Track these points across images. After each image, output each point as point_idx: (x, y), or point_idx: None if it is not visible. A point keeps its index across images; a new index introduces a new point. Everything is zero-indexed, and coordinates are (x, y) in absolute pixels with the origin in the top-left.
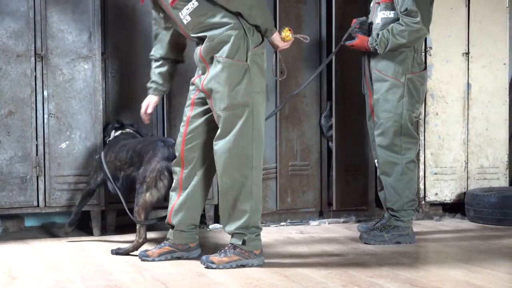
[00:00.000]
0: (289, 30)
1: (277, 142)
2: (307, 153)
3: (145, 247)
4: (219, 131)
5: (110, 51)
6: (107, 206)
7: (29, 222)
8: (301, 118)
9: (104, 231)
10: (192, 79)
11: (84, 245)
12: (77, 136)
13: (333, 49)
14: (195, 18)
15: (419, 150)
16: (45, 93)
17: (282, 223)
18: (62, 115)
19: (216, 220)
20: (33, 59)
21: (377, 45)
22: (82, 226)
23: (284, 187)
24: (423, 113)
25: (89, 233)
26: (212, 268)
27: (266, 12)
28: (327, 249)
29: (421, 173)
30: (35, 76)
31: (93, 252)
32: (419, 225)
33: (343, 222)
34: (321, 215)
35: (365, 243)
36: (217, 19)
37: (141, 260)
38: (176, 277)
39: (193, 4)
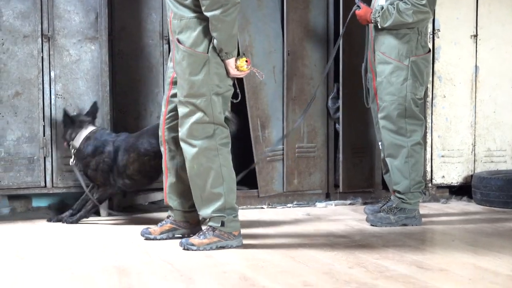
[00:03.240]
0: (246, 61)
1: (284, 124)
2: (314, 135)
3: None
4: (179, 117)
5: (117, 32)
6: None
7: (36, 203)
8: (308, 100)
9: (111, 212)
10: (171, 55)
11: (91, 225)
12: None
13: (341, 31)
14: None
15: (426, 132)
16: (52, 74)
17: (288, 205)
18: (69, 96)
19: None
20: (40, 39)
21: (378, 16)
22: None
23: (290, 169)
24: (430, 96)
25: (96, 213)
26: (192, 250)
27: (230, 34)
28: (333, 230)
29: (428, 156)
30: (42, 57)
31: (100, 233)
32: (426, 208)
33: (350, 204)
34: (327, 197)
35: (371, 225)
36: (190, 1)
37: (144, 239)
38: (183, 257)
39: None
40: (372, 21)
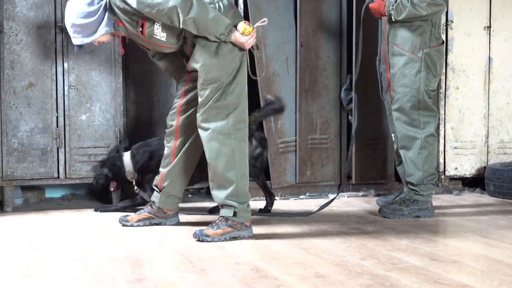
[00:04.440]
0: (245, 22)
1: (297, 115)
2: (327, 127)
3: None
4: (198, 105)
5: None
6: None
7: (49, 194)
8: (321, 91)
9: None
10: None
11: (105, 216)
12: (97, 108)
13: (354, 22)
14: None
15: (439, 124)
16: (65, 65)
17: (301, 196)
18: (82, 87)
19: None
20: (53, 30)
21: (392, 9)
22: (102, 198)
23: (303, 161)
24: (443, 87)
25: (109, 202)
26: (207, 241)
27: (207, 19)
28: (346, 222)
29: (441, 148)
30: (55, 48)
31: (113, 223)
32: (439, 199)
33: (362, 195)
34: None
35: (384, 216)
36: None
37: (122, 225)
38: (195, 249)
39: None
40: (386, 14)
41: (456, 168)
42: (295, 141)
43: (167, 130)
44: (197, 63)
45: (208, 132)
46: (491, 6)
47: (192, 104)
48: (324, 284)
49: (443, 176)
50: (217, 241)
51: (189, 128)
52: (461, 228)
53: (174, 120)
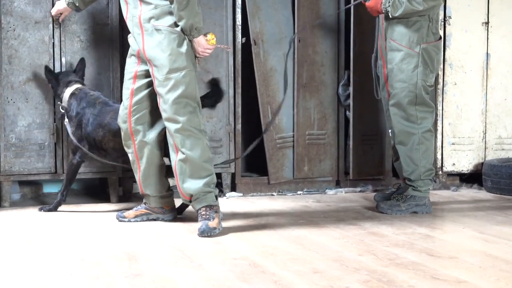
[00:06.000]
0: (214, 35)
1: (294, 111)
2: (324, 122)
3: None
4: (162, 99)
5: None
6: (124, 173)
7: (47, 189)
8: (319, 87)
9: (121, 198)
10: (134, 51)
11: (102, 212)
12: None
13: (352, 19)
14: None
15: (437, 119)
16: (63, 60)
17: (298, 192)
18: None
19: (233, 188)
20: (51, 25)
21: (389, 6)
22: (99, 194)
23: (301, 156)
24: (441, 83)
25: (107, 200)
26: (215, 234)
27: (195, 10)
28: (343, 218)
29: (439, 143)
30: (53, 43)
31: (110, 219)
32: (436, 195)
33: (360, 191)
34: (337, 184)
35: (381, 212)
36: None
37: (119, 221)
38: (193, 244)
39: None
40: (383, 11)
41: (454, 164)
42: (293, 136)
43: (122, 133)
44: (162, 52)
45: (178, 125)
46: (489, 2)
47: (142, 102)
48: (321, 280)
49: (440, 172)
50: (221, 230)
51: (144, 127)
52: (459, 224)
53: (126, 123)
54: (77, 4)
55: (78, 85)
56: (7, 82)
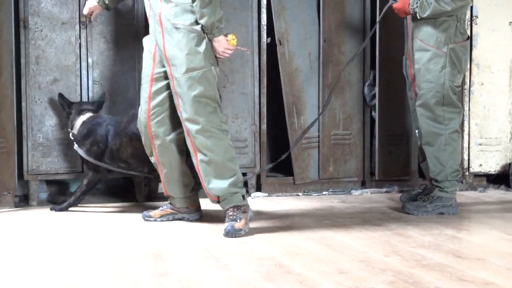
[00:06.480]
0: (234, 35)
1: (319, 111)
2: (350, 122)
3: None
4: (179, 99)
5: None
6: (150, 173)
7: (74, 188)
8: (344, 86)
9: (147, 198)
10: (151, 52)
11: (128, 211)
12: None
13: (377, 18)
14: None
15: (464, 120)
16: (90, 60)
17: (324, 192)
18: (106, 82)
19: (258, 188)
20: (77, 26)
21: (417, 7)
22: (125, 193)
23: (326, 156)
24: (468, 83)
25: (132, 199)
26: (241, 235)
27: (217, 8)
28: (369, 218)
29: (466, 144)
30: (80, 43)
31: (136, 219)
32: (463, 196)
33: (386, 192)
34: (363, 184)
35: (407, 213)
36: None
37: (144, 221)
38: (219, 244)
39: None
40: (411, 12)
41: (481, 165)
42: (318, 137)
43: (143, 138)
44: (181, 51)
45: (198, 126)
46: None
47: (161, 105)
48: (347, 280)
49: (467, 173)
50: (247, 231)
51: (164, 130)
52: (486, 225)
53: (146, 127)
54: (106, 2)
55: (90, 114)
56: (35, 82)
